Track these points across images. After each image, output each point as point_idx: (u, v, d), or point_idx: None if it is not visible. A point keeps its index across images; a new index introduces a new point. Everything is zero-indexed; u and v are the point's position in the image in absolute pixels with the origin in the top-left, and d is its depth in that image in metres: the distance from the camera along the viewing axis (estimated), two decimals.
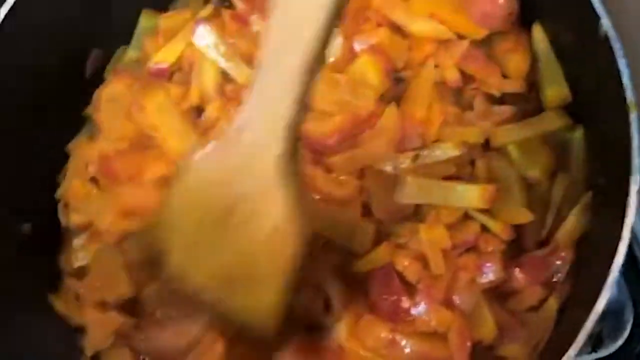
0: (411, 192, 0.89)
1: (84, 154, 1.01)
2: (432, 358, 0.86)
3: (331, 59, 0.96)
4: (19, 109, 0.96)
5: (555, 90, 0.96)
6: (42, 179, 1.02)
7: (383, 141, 0.91)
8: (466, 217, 0.91)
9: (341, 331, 0.88)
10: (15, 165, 0.96)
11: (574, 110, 0.96)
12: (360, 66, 0.94)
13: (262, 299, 0.70)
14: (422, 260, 0.89)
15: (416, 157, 0.91)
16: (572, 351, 0.75)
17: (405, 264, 0.88)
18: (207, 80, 1.00)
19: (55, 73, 1.01)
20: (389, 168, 0.91)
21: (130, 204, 0.94)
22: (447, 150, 0.92)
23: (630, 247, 0.92)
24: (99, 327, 0.92)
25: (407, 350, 0.85)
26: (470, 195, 0.89)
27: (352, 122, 0.91)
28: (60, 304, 0.96)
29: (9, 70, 0.92)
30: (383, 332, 0.86)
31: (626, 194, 0.78)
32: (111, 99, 1.00)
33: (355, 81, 0.93)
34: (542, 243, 0.92)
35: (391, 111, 0.92)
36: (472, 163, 0.94)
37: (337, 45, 0.97)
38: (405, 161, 0.91)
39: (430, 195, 0.89)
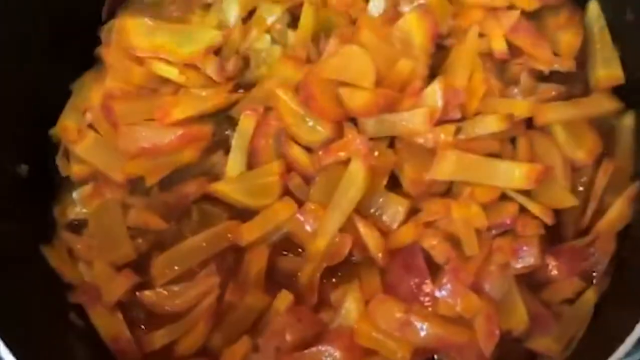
0: (449, 168, 0.82)
1: (87, 93, 0.94)
2: (450, 343, 0.78)
3: (375, 14, 0.89)
4: (33, 45, 0.90)
5: (608, 71, 0.90)
6: (46, 122, 0.95)
7: (424, 111, 0.83)
8: (503, 197, 0.84)
9: (352, 311, 0.80)
10: (22, 104, 0.90)
11: (625, 95, 0.90)
12: (406, 23, 0.87)
13: None
14: (452, 240, 0.82)
15: (458, 130, 0.83)
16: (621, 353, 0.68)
17: (433, 243, 0.81)
18: None
19: (72, 13, 0.95)
20: (425, 140, 0.83)
21: (140, 147, 0.87)
22: (492, 124, 0.84)
23: None
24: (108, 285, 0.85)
25: (423, 333, 0.77)
26: (515, 174, 0.82)
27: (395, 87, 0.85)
28: (52, 257, 0.89)
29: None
30: (397, 313, 0.78)
31: None
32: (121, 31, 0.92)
33: (402, 39, 0.86)
34: (582, 233, 0.86)
35: (439, 81, 0.84)
36: (513, 142, 0.87)
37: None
38: (445, 134, 0.83)
39: (470, 172, 0.82)
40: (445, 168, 0.82)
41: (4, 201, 0.86)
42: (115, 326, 0.84)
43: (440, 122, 0.84)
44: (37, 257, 0.88)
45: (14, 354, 0.70)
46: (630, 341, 0.69)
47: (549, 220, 0.82)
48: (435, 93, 0.82)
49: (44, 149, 0.94)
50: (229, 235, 0.84)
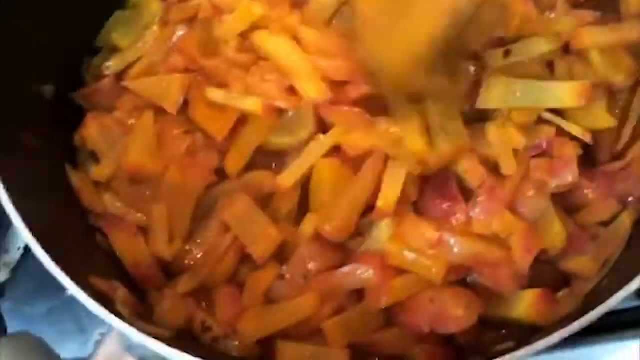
0: (498, 94, 0.80)
1: None
2: (485, 260, 0.77)
3: None
4: None
5: None
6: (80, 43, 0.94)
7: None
8: (540, 121, 0.82)
9: (382, 233, 0.79)
10: (54, 25, 0.88)
11: None
12: None
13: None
14: (488, 164, 0.80)
15: (508, 53, 0.82)
16: None
17: (467, 167, 0.80)
18: None
19: None
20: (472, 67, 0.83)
21: None
22: (542, 45, 0.83)
23: None
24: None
25: (457, 250, 0.76)
26: (565, 92, 0.80)
27: None
28: (76, 180, 0.87)
29: None
30: (428, 232, 0.77)
31: None
32: None
33: None
34: (617, 157, 0.84)
35: None
36: (550, 66, 0.85)
37: None
38: (495, 57, 0.82)
39: (520, 96, 0.80)
40: (495, 95, 0.80)
41: (29, 118, 0.85)
42: (136, 251, 0.82)
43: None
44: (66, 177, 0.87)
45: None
46: None
47: (588, 139, 0.81)
48: None
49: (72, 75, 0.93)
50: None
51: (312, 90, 0.83)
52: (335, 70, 0.84)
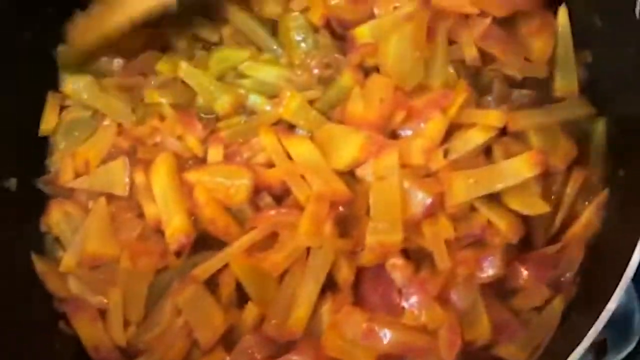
0: (462, 190, 0.82)
1: None
2: (414, 349, 0.80)
3: None
4: None
5: (564, 82, 0.90)
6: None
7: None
8: (472, 209, 0.85)
9: (322, 322, 0.84)
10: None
11: (597, 100, 0.90)
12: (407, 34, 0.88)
13: None
14: (422, 252, 0.84)
15: (446, 152, 0.85)
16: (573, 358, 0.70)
17: (396, 263, 0.83)
18: None
19: None
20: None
21: None
22: (476, 137, 0.85)
23: None
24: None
25: (387, 340, 0.79)
26: (521, 165, 0.82)
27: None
28: (41, 267, 0.93)
29: None
30: (362, 322, 0.81)
31: None
32: None
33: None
34: (551, 240, 0.87)
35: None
36: (488, 151, 0.88)
37: None
38: (437, 160, 0.84)
39: (480, 185, 0.82)
40: (460, 190, 0.82)
41: None
42: (96, 335, 0.88)
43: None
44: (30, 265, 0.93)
45: None
46: (584, 344, 0.70)
47: (515, 237, 0.83)
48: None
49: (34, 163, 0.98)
50: None
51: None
52: None
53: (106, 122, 0.97)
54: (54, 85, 1.00)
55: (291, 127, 0.92)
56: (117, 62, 0.99)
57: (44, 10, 0.98)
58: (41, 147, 1.00)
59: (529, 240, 0.86)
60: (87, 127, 0.98)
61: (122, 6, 0.94)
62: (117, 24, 0.94)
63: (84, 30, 0.98)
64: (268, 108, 0.93)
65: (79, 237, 0.91)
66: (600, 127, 0.89)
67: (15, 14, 0.95)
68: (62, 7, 1.00)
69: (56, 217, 0.94)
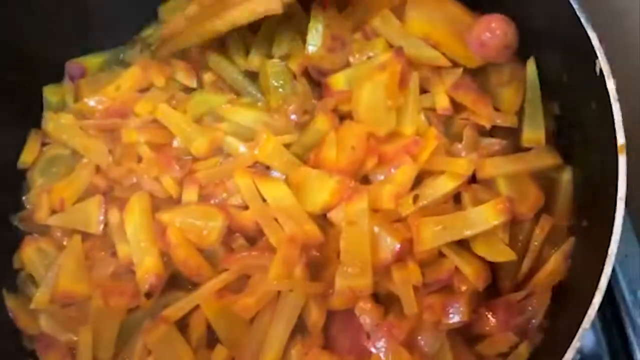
0: (430, 236, 0.84)
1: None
2: None
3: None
4: None
5: (531, 133, 0.93)
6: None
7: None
8: (441, 254, 0.87)
9: None
10: None
11: (564, 150, 0.93)
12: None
13: None
14: (390, 296, 0.85)
15: (416, 198, 0.86)
16: None
17: (365, 307, 0.84)
18: None
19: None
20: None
21: None
22: (445, 184, 0.88)
23: (610, 296, 0.89)
24: None
25: None
26: (488, 212, 0.85)
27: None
28: (13, 305, 0.94)
29: None
30: None
31: (608, 240, 0.74)
32: None
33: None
34: (518, 286, 0.88)
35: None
36: (457, 197, 0.90)
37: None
38: (406, 206, 0.86)
39: (448, 231, 0.85)
40: (428, 236, 0.84)
41: None
42: None
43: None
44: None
45: None
46: None
47: (480, 284, 0.84)
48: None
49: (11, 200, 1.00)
50: None
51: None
52: None
53: (84, 161, 0.98)
54: (37, 124, 1.02)
55: (267, 170, 0.94)
56: (98, 102, 1.01)
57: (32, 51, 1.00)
58: (19, 184, 1.01)
59: (495, 286, 0.88)
60: (65, 165, 0.99)
61: (227, 10, 0.94)
62: (219, 27, 0.95)
63: (179, 28, 1.01)
64: (244, 150, 0.95)
65: (52, 274, 0.91)
66: (566, 177, 0.92)
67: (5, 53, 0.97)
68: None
69: (30, 254, 0.95)
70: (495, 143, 0.94)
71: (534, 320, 0.86)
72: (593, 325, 1.00)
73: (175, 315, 0.86)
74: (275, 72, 1.00)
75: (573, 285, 0.85)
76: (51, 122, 1.01)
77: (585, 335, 0.97)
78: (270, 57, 1.01)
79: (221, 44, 1.04)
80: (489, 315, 0.85)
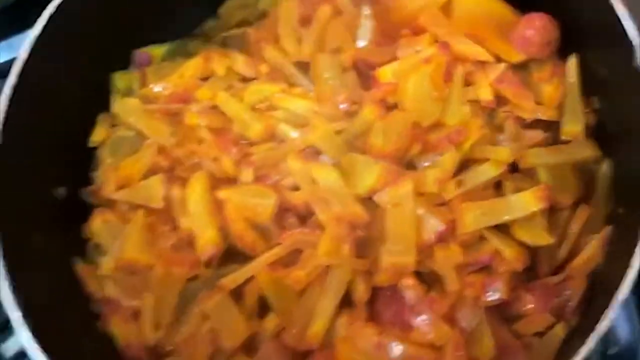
0: (472, 219, 0.89)
1: None
2: None
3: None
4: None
5: (572, 126, 0.97)
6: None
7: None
8: (482, 237, 0.91)
9: (339, 333, 0.90)
10: (60, 126, 1.04)
11: (603, 143, 0.97)
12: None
13: None
14: (433, 274, 0.90)
15: (459, 183, 0.92)
16: None
17: (408, 282, 0.89)
18: None
19: None
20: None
21: None
22: (488, 171, 0.92)
23: None
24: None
25: (396, 353, 0.85)
26: (528, 199, 0.89)
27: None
28: (82, 271, 1.01)
29: None
30: (373, 336, 0.87)
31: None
32: None
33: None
34: (555, 271, 0.92)
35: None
36: (498, 185, 0.95)
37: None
38: (450, 190, 0.92)
39: (489, 216, 0.90)
40: (470, 220, 0.89)
41: (42, 221, 0.99)
42: (128, 334, 0.95)
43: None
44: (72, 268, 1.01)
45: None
46: None
47: (519, 266, 0.89)
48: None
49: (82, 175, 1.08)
50: None
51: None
52: None
53: (149, 141, 1.06)
54: (106, 107, 1.11)
55: (317, 155, 1.00)
56: (163, 89, 1.09)
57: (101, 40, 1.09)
58: (89, 161, 1.09)
59: (533, 270, 0.93)
60: (131, 145, 1.07)
61: None
62: None
63: None
64: (296, 136, 1.02)
65: (117, 244, 0.99)
66: (604, 168, 0.96)
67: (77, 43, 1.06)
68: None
69: (98, 225, 1.02)
70: (536, 135, 0.97)
71: (570, 303, 0.90)
72: (629, 316, 1.04)
73: (231, 284, 0.93)
74: (327, 65, 1.06)
75: (609, 271, 0.89)
76: (119, 105, 1.09)
77: (620, 327, 1.03)
78: (321, 50, 1.08)
79: (275, 38, 1.11)
80: (527, 296, 0.90)
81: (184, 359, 0.93)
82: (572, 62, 0.98)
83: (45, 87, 1.02)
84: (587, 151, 0.97)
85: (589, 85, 0.98)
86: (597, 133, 0.98)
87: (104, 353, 0.96)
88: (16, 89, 0.97)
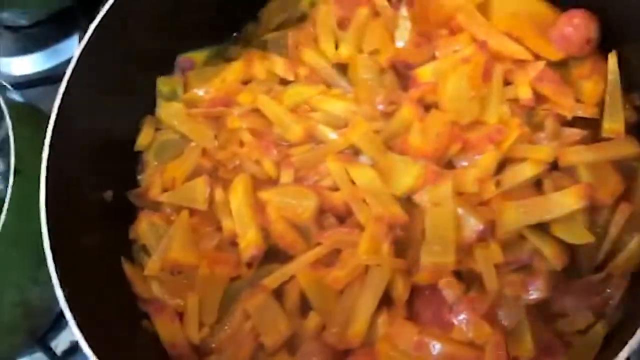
0: (513, 217, 0.89)
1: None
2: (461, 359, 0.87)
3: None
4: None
5: (610, 124, 0.95)
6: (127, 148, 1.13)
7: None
8: (521, 237, 0.91)
9: (379, 331, 0.91)
10: (108, 130, 1.08)
11: None
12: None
13: None
14: (473, 273, 0.91)
15: (498, 183, 0.92)
16: None
17: (448, 281, 0.89)
18: None
19: None
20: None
21: None
22: (528, 170, 0.92)
23: None
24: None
25: (436, 351, 0.86)
26: (568, 197, 0.89)
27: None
28: (129, 271, 1.05)
29: None
30: (414, 335, 0.88)
31: None
32: None
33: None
34: (596, 269, 0.92)
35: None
36: (538, 183, 0.95)
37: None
38: (489, 190, 0.92)
39: (530, 214, 0.90)
40: (510, 219, 0.89)
41: (91, 222, 1.03)
42: (174, 333, 0.98)
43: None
44: (119, 268, 1.05)
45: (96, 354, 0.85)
46: None
47: (559, 264, 0.89)
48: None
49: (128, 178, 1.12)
50: None
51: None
52: None
53: (193, 144, 1.09)
54: (151, 111, 1.15)
55: (355, 156, 1.02)
56: (205, 93, 1.12)
57: (145, 46, 1.13)
58: (135, 165, 1.13)
59: (574, 268, 0.92)
60: (175, 148, 1.10)
61: None
62: None
63: None
64: (335, 137, 1.03)
65: (163, 245, 1.02)
66: None
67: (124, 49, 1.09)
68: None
69: (144, 227, 1.06)
70: (576, 133, 0.97)
71: (611, 302, 0.89)
72: None
73: (273, 284, 0.95)
74: (365, 66, 1.07)
75: None
76: (164, 109, 1.13)
77: None
78: (360, 51, 1.09)
79: (314, 40, 1.13)
80: (567, 295, 0.90)
81: (227, 357, 0.96)
82: (612, 59, 0.97)
83: (94, 91, 1.06)
84: (628, 148, 0.95)
85: (630, 81, 0.97)
86: (638, 130, 0.97)
87: (150, 351, 0.99)
88: (66, 94, 1.01)
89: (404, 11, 1.06)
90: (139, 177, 1.13)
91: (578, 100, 0.98)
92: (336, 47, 1.11)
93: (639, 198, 0.94)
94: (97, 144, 1.07)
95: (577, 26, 0.98)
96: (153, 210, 1.08)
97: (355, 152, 1.02)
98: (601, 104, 0.98)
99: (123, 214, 1.09)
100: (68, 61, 1.04)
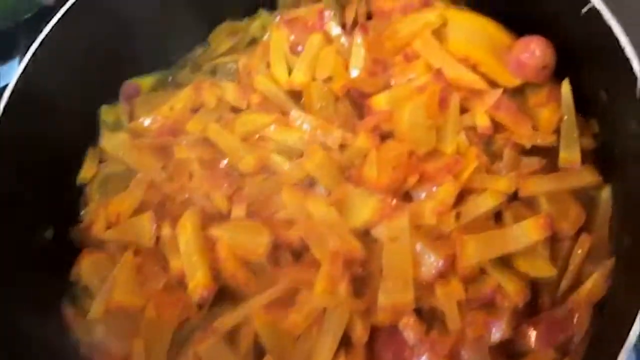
0: (473, 252, 0.86)
1: None
2: None
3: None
4: None
5: (568, 152, 0.94)
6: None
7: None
8: (482, 271, 0.88)
9: None
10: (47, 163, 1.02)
11: (603, 169, 0.94)
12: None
13: None
14: (434, 313, 0.87)
15: (458, 215, 0.89)
16: None
17: (408, 321, 0.86)
18: None
19: None
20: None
21: None
22: (487, 202, 0.90)
23: None
24: None
25: None
26: (528, 229, 0.87)
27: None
28: (71, 315, 0.98)
29: None
30: None
31: None
32: None
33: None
34: (557, 303, 0.89)
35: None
36: (498, 215, 0.92)
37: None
38: (449, 223, 0.89)
39: (490, 248, 0.87)
40: (471, 253, 0.86)
41: (29, 263, 0.96)
42: None
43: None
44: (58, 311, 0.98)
45: None
46: None
47: (521, 301, 0.86)
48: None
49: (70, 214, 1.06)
50: None
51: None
52: None
53: (139, 177, 1.03)
54: (94, 142, 1.09)
55: (311, 187, 0.97)
56: (152, 122, 1.06)
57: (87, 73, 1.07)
58: (77, 200, 1.07)
59: (534, 302, 0.89)
60: (120, 181, 1.05)
61: None
62: None
63: None
64: (289, 168, 0.99)
65: (106, 287, 0.96)
66: (605, 195, 0.93)
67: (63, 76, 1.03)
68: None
69: (86, 267, 1.00)
70: (535, 162, 0.95)
71: (575, 338, 0.87)
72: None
73: (225, 326, 0.90)
74: (319, 94, 1.04)
75: (615, 303, 0.86)
76: (107, 140, 1.07)
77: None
78: (313, 79, 1.05)
79: (267, 65, 1.09)
80: (531, 332, 0.87)
81: None
82: (566, 87, 0.96)
83: (32, 121, 1.00)
84: (587, 177, 0.94)
85: (588, 108, 0.96)
86: (598, 157, 0.96)
87: None
88: (3, 118, 0.95)
89: (358, 38, 1.03)
90: (81, 213, 1.06)
91: (535, 128, 0.97)
92: (289, 73, 1.06)
93: (598, 228, 0.92)
94: (36, 178, 1.01)
95: (533, 52, 0.96)
96: (97, 248, 1.02)
97: (311, 183, 0.98)
98: (559, 131, 0.96)
99: (64, 254, 1.02)
100: (5, 87, 0.99)
